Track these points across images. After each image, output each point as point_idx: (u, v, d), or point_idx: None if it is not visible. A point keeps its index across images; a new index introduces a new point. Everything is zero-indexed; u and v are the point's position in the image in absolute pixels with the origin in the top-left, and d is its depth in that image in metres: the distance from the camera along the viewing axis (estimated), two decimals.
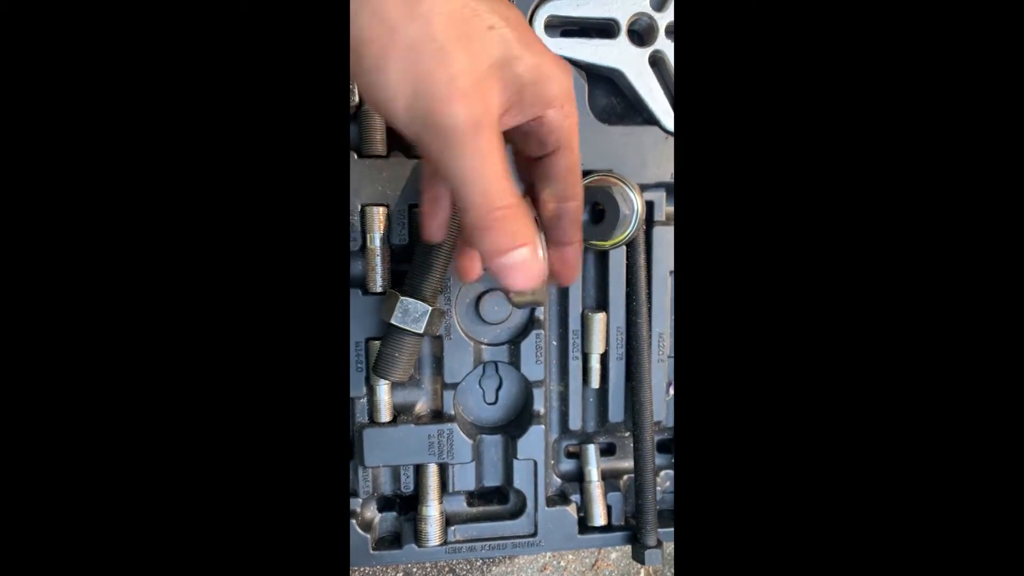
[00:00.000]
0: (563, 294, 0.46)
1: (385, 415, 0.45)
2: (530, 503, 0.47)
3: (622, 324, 0.46)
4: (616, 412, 0.48)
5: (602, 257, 0.46)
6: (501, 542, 0.47)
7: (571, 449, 0.50)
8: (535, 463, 0.46)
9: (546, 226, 0.34)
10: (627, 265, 0.46)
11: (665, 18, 0.45)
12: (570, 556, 0.60)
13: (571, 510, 0.47)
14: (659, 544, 0.47)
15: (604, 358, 0.47)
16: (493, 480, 0.48)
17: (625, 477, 0.50)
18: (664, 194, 0.46)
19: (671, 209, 0.46)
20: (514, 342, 0.46)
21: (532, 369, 0.46)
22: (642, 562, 0.47)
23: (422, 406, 0.47)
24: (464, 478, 0.46)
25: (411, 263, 0.41)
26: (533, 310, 0.46)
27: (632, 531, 0.48)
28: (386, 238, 0.43)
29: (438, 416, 0.46)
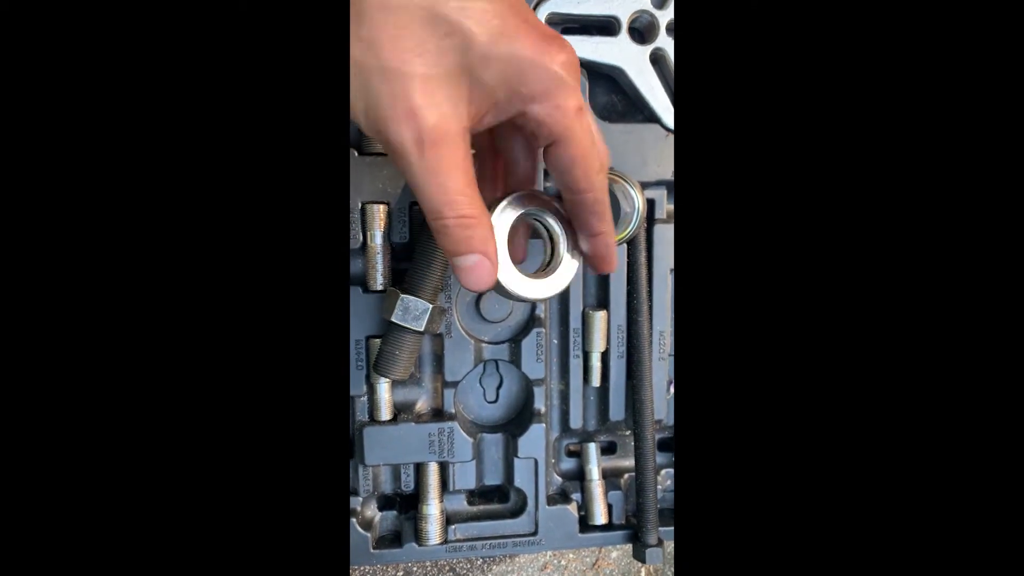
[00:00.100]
0: (563, 292, 0.46)
1: (385, 413, 0.44)
2: (531, 502, 0.47)
3: (623, 322, 0.46)
4: (617, 410, 0.48)
5: None
6: (502, 541, 0.47)
7: (572, 448, 0.50)
8: (536, 462, 0.46)
9: (569, 217, 0.35)
10: (628, 263, 0.46)
11: (666, 16, 0.45)
12: (571, 555, 0.60)
13: (572, 509, 0.47)
14: (660, 543, 0.47)
15: (605, 356, 0.47)
16: (494, 479, 0.47)
17: (626, 476, 0.50)
18: (665, 192, 0.46)
19: (672, 207, 0.46)
20: (515, 340, 0.46)
21: (533, 367, 0.46)
22: (643, 561, 0.47)
23: (422, 404, 0.47)
24: (464, 477, 0.46)
25: (412, 261, 0.41)
26: (534, 307, 0.46)
27: (633, 530, 0.48)
28: (387, 236, 0.43)
29: (439, 414, 0.46)
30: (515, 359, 0.46)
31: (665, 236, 0.46)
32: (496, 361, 0.48)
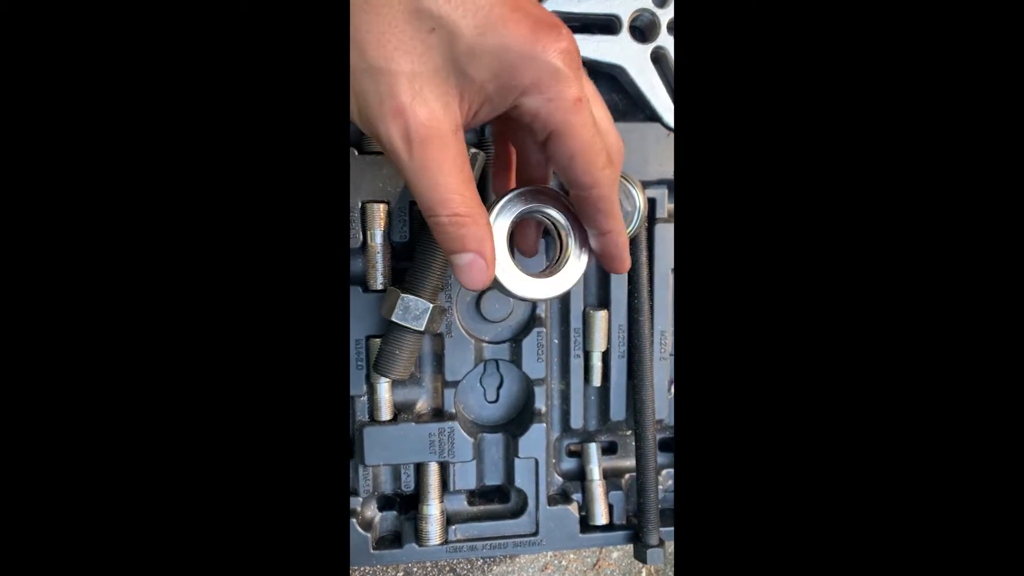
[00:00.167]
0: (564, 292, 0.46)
1: (386, 413, 0.44)
2: (531, 502, 0.46)
3: (624, 322, 0.46)
4: (618, 410, 0.47)
5: None
6: (502, 541, 0.46)
7: (572, 448, 0.50)
8: (536, 462, 0.46)
9: (576, 214, 0.34)
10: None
11: (667, 14, 0.44)
12: (571, 555, 0.60)
13: (572, 509, 0.47)
14: (661, 543, 0.47)
15: (606, 356, 0.47)
16: (494, 479, 0.47)
17: (627, 476, 0.50)
18: (666, 191, 0.45)
19: (673, 206, 0.46)
20: (515, 340, 0.46)
21: (533, 367, 0.45)
22: (644, 561, 0.46)
23: (423, 404, 0.46)
24: (465, 477, 0.46)
25: (412, 260, 0.41)
26: (534, 307, 0.46)
27: (634, 530, 0.48)
28: (387, 235, 0.42)
29: (439, 414, 0.46)
30: (516, 359, 0.46)
31: (666, 235, 0.45)
32: (497, 361, 0.47)
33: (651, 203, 0.45)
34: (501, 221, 0.33)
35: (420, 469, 0.46)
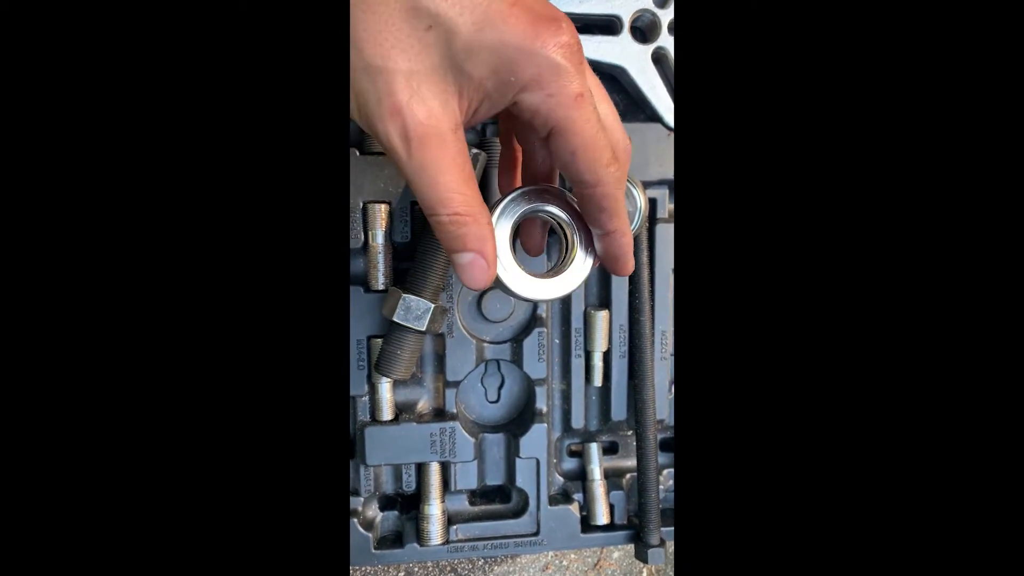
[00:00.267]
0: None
1: (387, 413, 0.44)
2: (532, 502, 0.46)
3: (625, 322, 0.46)
4: (619, 410, 0.47)
5: None
6: (503, 541, 0.46)
7: (573, 448, 0.50)
8: (537, 462, 0.46)
9: (583, 213, 0.33)
10: None
11: (668, 15, 0.45)
12: (572, 555, 0.60)
13: (574, 509, 0.47)
14: (662, 543, 0.47)
15: (607, 356, 0.47)
16: (495, 479, 0.47)
17: (628, 476, 0.50)
18: (667, 191, 0.45)
19: (674, 206, 0.46)
20: (516, 340, 0.46)
21: (534, 367, 0.45)
22: (645, 561, 0.47)
23: (424, 404, 0.47)
24: (466, 477, 0.46)
25: (413, 261, 0.41)
26: (535, 307, 0.46)
27: (635, 530, 0.48)
28: (388, 235, 0.42)
29: (440, 414, 0.46)
30: (517, 359, 0.46)
31: (667, 235, 0.45)
32: (498, 361, 0.48)
33: (652, 203, 0.45)
34: (504, 220, 0.33)
35: (421, 469, 0.46)
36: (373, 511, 0.47)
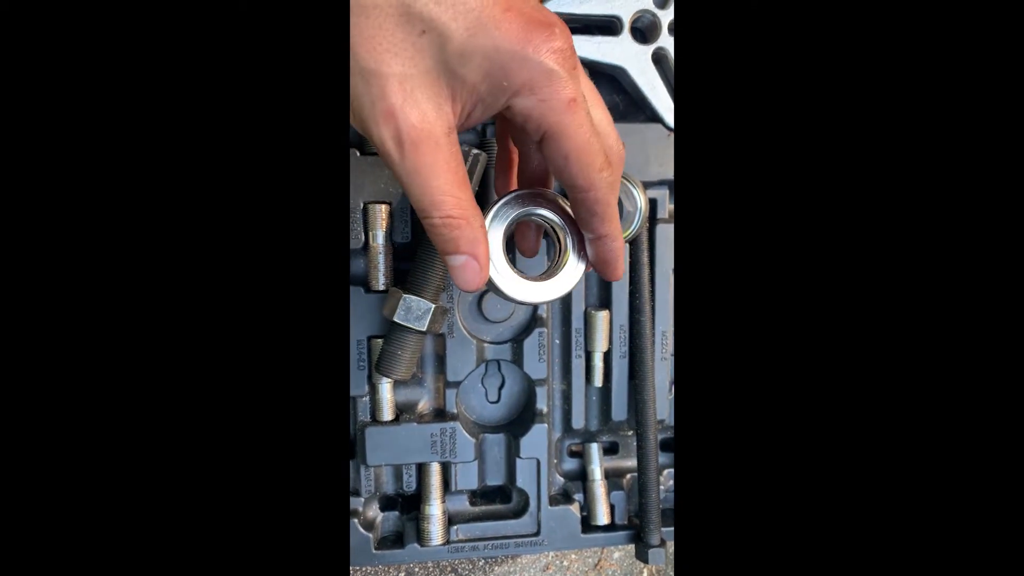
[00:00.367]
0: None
1: (387, 414, 0.44)
2: (533, 502, 0.46)
3: (625, 322, 0.46)
4: (619, 411, 0.47)
5: None
6: (504, 541, 0.46)
7: (574, 448, 0.50)
8: (538, 462, 0.46)
9: (575, 217, 0.33)
10: (630, 263, 0.45)
11: (668, 15, 0.45)
12: (573, 556, 0.60)
13: (574, 509, 0.47)
14: (663, 543, 0.47)
15: (607, 356, 0.47)
16: (496, 479, 0.47)
17: (628, 476, 0.50)
18: (667, 191, 0.45)
19: (674, 206, 0.46)
20: (517, 340, 0.46)
21: (535, 367, 0.45)
22: (645, 561, 0.46)
23: (424, 405, 0.47)
24: (467, 477, 0.46)
25: (413, 261, 0.41)
26: (535, 307, 0.46)
27: (635, 530, 0.48)
28: (388, 236, 0.42)
29: (440, 415, 0.46)
30: (517, 359, 0.46)
31: (667, 236, 0.45)
32: (498, 361, 0.48)
33: (652, 204, 0.45)
34: (497, 224, 0.33)
35: (422, 469, 0.46)
36: (373, 511, 0.47)
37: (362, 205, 0.42)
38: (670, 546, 0.48)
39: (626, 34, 0.45)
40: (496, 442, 0.47)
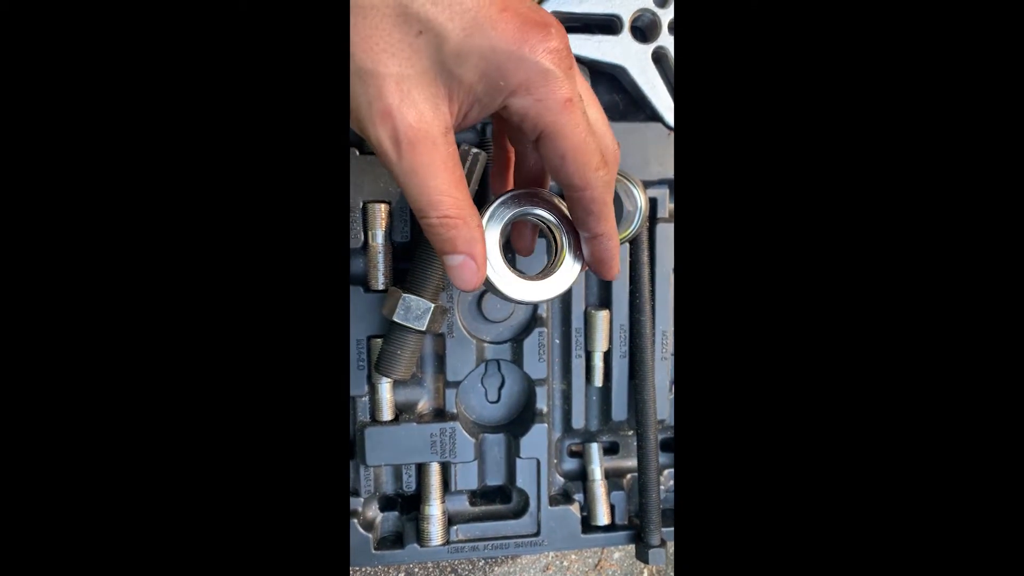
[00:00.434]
0: (565, 291, 0.46)
1: (387, 414, 0.44)
2: (533, 502, 0.46)
3: (625, 322, 0.46)
4: (619, 410, 0.47)
5: None
6: (504, 542, 0.46)
7: (574, 448, 0.50)
8: (538, 462, 0.46)
9: (571, 216, 0.33)
10: (630, 262, 0.45)
11: (668, 14, 0.44)
12: (573, 556, 0.60)
13: (574, 509, 0.47)
14: (663, 543, 0.47)
15: (607, 356, 0.47)
16: (496, 479, 0.47)
17: (629, 476, 0.50)
18: (667, 191, 0.45)
19: (674, 206, 0.46)
20: (517, 340, 0.46)
21: (535, 367, 0.45)
22: (646, 561, 0.46)
23: (424, 405, 0.46)
24: (466, 477, 0.46)
25: (413, 260, 0.41)
26: (535, 307, 0.46)
27: (636, 530, 0.48)
28: (388, 235, 0.42)
29: (440, 415, 0.46)
30: (517, 359, 0.46)
31: (667, 235, 0.45)
32: (498, 361, 0.47)
33: (652, 203, 0.45)
34: (494, 224, 0.33)
35: (422, 469, 0.46)
36: (373, 511, 0.47)
37: (361, 204, 0.42)
38: (670, 546, 0.48)
39: (626, 33, 0.45)
40: (496, 442, 0.47)
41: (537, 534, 0.47)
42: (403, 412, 0.46)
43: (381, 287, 0.42)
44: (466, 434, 0.45)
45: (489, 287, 0.34)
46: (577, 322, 0.46)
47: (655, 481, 0.46)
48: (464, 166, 0.36)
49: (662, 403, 0.47)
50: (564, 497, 0.48)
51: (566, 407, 0.48)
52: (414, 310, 0.39)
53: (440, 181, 0.29)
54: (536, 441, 0.46)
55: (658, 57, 0.45)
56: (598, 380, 0.47)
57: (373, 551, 0.45)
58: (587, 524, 0.48)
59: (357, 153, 0.42)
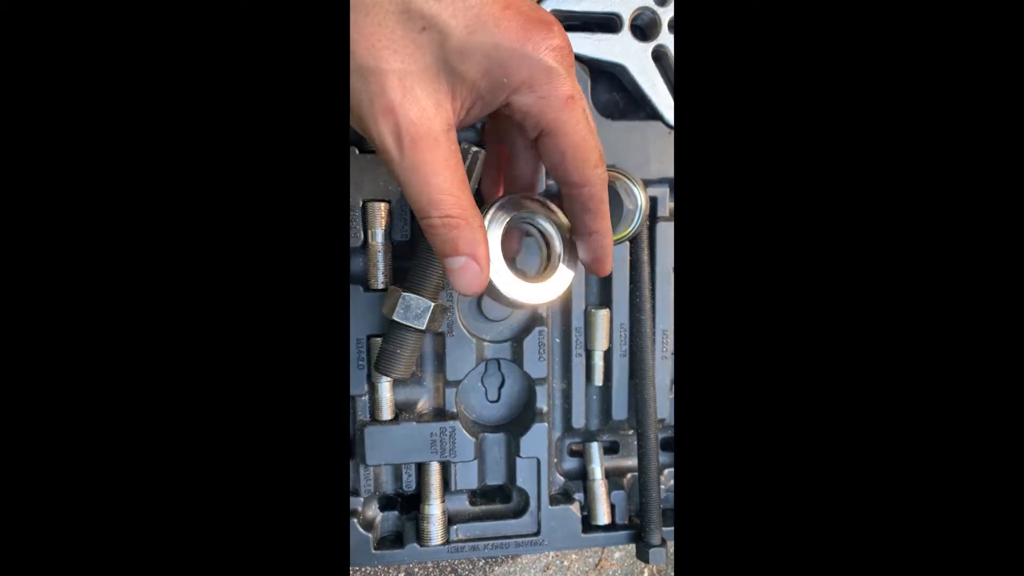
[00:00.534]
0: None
1: (387, 413, 0.44)
2: (533, 502, 0.46)
3: (625, 321, 0.46)
4: (620, 410, 0.47)
5: None
6: (504, 541, 0.46)
7: (574, 447, 0.50)
8: (538, 461, 0.46)
9: (566, 213, 0.33)
10: (631, 261, 0.45)
11: (668, 13, 0.44)
12: (573, 556, 0.60)
13: (574, 509, 0.47)
14: (663, 543, 0.47)
15: (607, 355, 0.47)
16: (496, 479, 0.47)
17: (629, 475, 0.49)
18: (668, 190, 0.45)
19: (674, 205, 0.46)
20: (516, 339, 0.46)
21: (535, 366, 0.45)
22: (646, 561, 0.46)
23: (424, 404, 0.46)
24: (466, 476, 0.46)
25: (413, 259, 0.41)
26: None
27: (636, 530, 0.48)
28: (388, 234, 0.42)
29: (440, 414, 0.46)
30: (517, 358, 0.46)
31: (667, 234, 0.45)
32: (498, 360, 0.47)
33: (652, 202, 0.45)
34: (494, 227, 0.33)
35: (421, 469, 0.46)
36: (373, 511, 0.47)
37: (361, 203, 0.42)
38: (671, 546, 0.47)
39: (626, 31, 0.44)
40: (496, 441, 0.47)
41: (537, 534, 0.47)
42: (403, 411, 0.46)
43: (381, 286, 0.42)
44: (466, 433, 0.45)
45: (490, 291, 0.33)
46: (577, 321, 0.46)
47: (655, 480, 0.46)
48: (464, 164, 0.36)
49: (662, 402, 0.47)
50: (564, 496, 0.48)
51: (566, 406, 0.48)
52: (414, 309, 0.39)
53: (442, 179, 0.28)
54: (536, 440, 0.46)
55: (658, 55, 0.45)
56: (598, 379, 0.46)
57: (373, 551, 0.45)
58: (587, 524, 0.48)
59: (357, 152, 0.42)
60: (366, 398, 0.44)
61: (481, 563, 0.58)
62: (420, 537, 0.45)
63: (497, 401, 0.48)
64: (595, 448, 0.48)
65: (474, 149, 0.39)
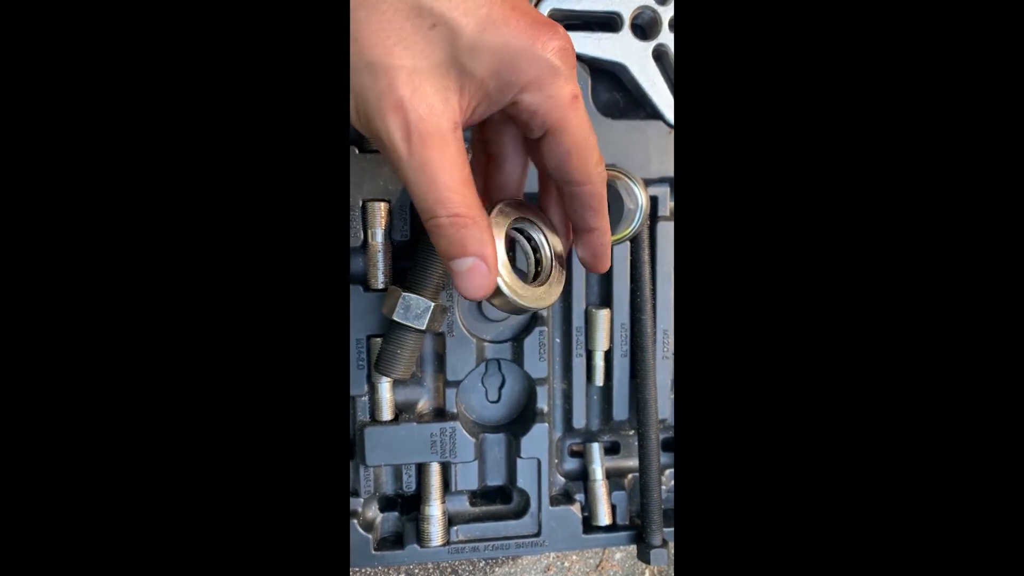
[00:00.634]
0: (566, 290, 0.46)
1: (387, 413, 0.44)
2: (534, 502, 0.46)
3: (626, 321, 0.46)
4: (620, 410, 0.47)
5: None
6: (504, 542, 0.46)
7: (575, 448, 0.50)
8: (539, 462, 0.46)
9: (566, 212, 0.34)
10: (631, 261, 0.45)
11: (668, 12, 0.44)
12: (574, 556, 0.60)
13: (575, 509, 0.47)
14: (664, 544, 0.46)
15: (608, 355, 0.46)
16: (496, 479, 0.47)
17: (630, 476, 0.49)
18: (668, 189, 0.45)
19: (674, 204, 0.46)
20: (517, 339, 0.46)
21: (535, 367, 0.45)
22: (647, 562, 0.46)
23: (424, 404, 0.46)
24: (467, 477, 0.46)
25: (413, 259, 0.41)
26: None
27: (637, 531, 0.48)
28: (388, 234, 0.42)
29: (440, 414, 0.46)
30: (517, 358, 0.46)
31: (668, 233, 0.45)
32: (498, 360, 0.47)
33: (653, 201, 0.45)
34: (496, 231, 0.33)
35: (422, 469, 0.45)
36: (373, 512, 0.47)
37: (361, 203, 0.42)
38: (672, 546, 0.47)
39: (626, 30, 0.44)
40: (496, 442, 0.47)
41: (538, 534, 0.46)
42: (403, 412, 0.45)
43: (381, 286, 0.42)
44: (466, 434, 0.44)
45: (495, 295, 0.33)
46: (578, 321, 0.46)
47: (656, 481, 0.46)
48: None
49: (663, 402, 0.46)
50: (565, 497, 0.48)
51: (567, 407, 0.48)
52: (414, 309, 0.39)
53: (449, 177, 0.28)
54: (537, 441, 0.45)
55: (658, 55, 0.45)
56: (599, 379, 0.46)
57: (373, 552, 0.45)
58: (588, 524, 0.48)
59: (357, 151, 0.41)
60: (366, 398, 0.44)
61: (481, 564, 0.58)
62: (420, 538, 0.45)
63: (497, 401, 0.48)
64: (596, 449, 0.48)
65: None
